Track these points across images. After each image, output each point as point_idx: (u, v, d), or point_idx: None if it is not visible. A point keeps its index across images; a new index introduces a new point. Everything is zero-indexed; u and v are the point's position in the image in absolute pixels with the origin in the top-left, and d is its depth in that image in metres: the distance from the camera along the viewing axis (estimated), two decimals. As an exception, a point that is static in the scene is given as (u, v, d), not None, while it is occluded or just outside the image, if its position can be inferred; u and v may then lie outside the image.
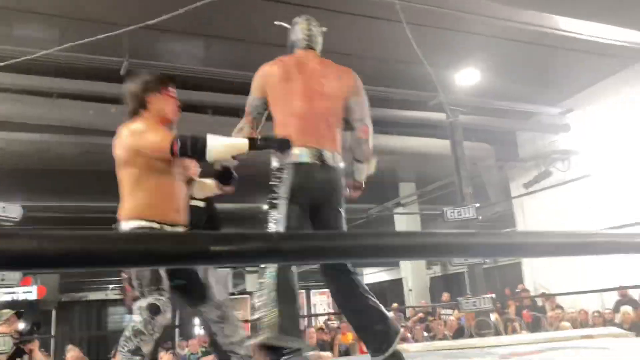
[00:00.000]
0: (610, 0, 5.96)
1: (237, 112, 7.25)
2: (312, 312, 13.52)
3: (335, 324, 10.33)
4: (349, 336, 8.66)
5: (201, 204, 3.91)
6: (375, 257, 1.06)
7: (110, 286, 18.22)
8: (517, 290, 9.74)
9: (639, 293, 7.18)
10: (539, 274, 9.63)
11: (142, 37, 5.99)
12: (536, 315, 7.19)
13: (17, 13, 5.68)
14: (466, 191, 5.16)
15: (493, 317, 5.65)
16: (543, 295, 8.83)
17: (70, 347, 7.19)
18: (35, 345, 3.46)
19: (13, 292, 11.50)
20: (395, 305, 12.75)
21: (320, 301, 13.95)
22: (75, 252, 0.45)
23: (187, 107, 6.95)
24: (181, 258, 0.47)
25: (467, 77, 7.37)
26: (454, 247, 0.73)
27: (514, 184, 10.29)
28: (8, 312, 3.48)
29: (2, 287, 10.06)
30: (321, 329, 8.60)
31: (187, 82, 7.05)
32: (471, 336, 4.88)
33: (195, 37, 6.73)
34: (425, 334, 7.71)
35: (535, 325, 6.93)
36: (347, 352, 7.25)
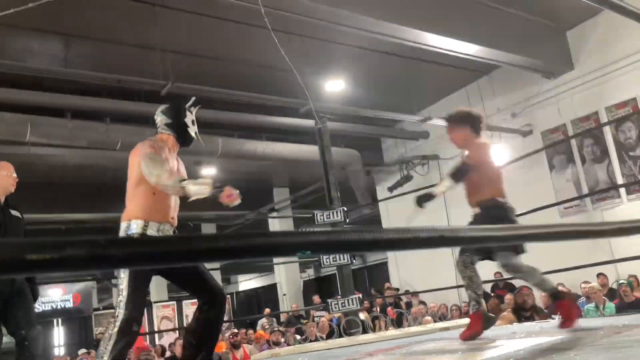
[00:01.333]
0: (461, 17, 6.53)
1: (99, 116, 6.90)
2: (185, 323, 13.09)
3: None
4: (223, 345, 8.52)
5: None
6: (211, 260, 1.07)
7: None
8: (385, 288, 10.23)
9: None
10: (404, 273, 10.22)
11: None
12: (399, 311, 7.63)
13: None
14: (334, 195, 5.32)
15: (362, 315, 5.89)
16: (407, 292, 9.39)
17: None
18: None
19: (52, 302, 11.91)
20: (267, 310, 12.79)
21: (192, 312, 13.54)
22: None
23: (44, 109, 6.51)
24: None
25: (335, 85, 7.63)
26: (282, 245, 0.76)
27: (380, 187, 10.83)
28: None
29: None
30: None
31: (43, 83, 6.55)
32: (341, 336, 5.03)
33: (54, 36, 6.27)
34: (298, 337, 7.82)
35: (399, 321, 7.34)
36: (220, 361, 7.13)
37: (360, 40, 6.79)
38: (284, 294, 12.56)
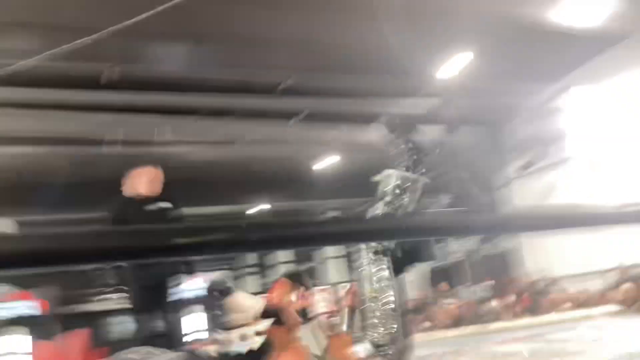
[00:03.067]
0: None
1: (226, 113, 7.27)
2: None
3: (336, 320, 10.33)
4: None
5: None
6: (341, 243, 1.05)
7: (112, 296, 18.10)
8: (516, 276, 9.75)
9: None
10: (540, 258, 9.65)
11: (129, 43, 5.97)
12: (536, 298, 7.22)
13: (-1, 26, 5.64)
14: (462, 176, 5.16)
15: (494, 303, 5.66)
16: (544, 279, 8.85)
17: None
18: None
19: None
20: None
21: (323, 299, 13.91)
22: (46, 251, 0.43)
23: (176, 110, 6.98)
24: (145, 252, 0.46)
25: (453, 67, 7.36)
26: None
27: (498, 173, 10.30)
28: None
29: None
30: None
31: (175, 85, 7.02)
32: (471, 323, 4.88)
33: (179, 41, 6.69)
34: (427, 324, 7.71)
35: (534, 309, 6.95)
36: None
37: (480, 19, 6.47)
38: (411, 280, 12.45)
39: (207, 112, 7.19)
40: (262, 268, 18.84)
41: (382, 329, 2.55)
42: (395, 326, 2.54)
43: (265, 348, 2.45)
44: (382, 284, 2.81)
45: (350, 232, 0.60)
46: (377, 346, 2.79)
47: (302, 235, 0.53)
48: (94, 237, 0.44)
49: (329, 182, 9.91)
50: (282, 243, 0.59)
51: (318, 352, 2.95)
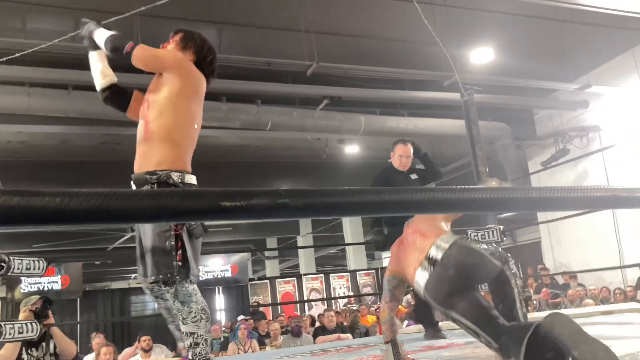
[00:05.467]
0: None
1: (250, 98, 7.33)
2: (332, 295, 13.60)
3: (354, 306, 10.38)
4: (369, 318, 8.71)
5: None
6: (378, 213, 1.08)
7: (132, 275, 18.49)
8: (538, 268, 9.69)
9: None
10: (559, 253, 9.56)
11: (153, 27, 6.03)
12: (555, 292, 7.17)
13: (29, 6, 5.75)
14: (482, 170, 5.10)
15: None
16: (564, 273, 8.78)
17: (95, 334, 7.37)
18: (51, 320, 3.52)
19: (39, 283, 11.89)
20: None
21: (340, 284, 14.01)
22: (95, 208, 0.47)
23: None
24: (194, 213, 0.50)
25: (481, 55, 7.28)
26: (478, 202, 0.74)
27: (532, 163, 10.19)
28: (34, 298, 3.55)
29: (28, 277, 10.32)
30: (337, 312, 8.67)
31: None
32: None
33: (206, 25, 6.74)
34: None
35: (554, 304, 6.91)
36: (367, 334, 7.31)
37: (508, 5, 6.40)
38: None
39: (232, 97, 7.26)
40: (281, 254, 18.98)
41: None
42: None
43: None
44: None
45: (387, 202, 0.62)
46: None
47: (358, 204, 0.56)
48: (148, 196, 0.48)
49: (355, 169, 9.94)
50: (326, 210, 0.61)
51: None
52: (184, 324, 2.22)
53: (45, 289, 11.90)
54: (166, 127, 2.31)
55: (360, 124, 7.76)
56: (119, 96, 2.51)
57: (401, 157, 4.65)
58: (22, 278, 11.32)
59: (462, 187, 0.78)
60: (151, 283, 2.25)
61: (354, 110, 7.86)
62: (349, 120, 7.69)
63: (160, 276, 2.20)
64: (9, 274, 3.21)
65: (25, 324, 3.26)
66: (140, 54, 2.34)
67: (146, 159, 2.30)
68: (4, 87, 6.01)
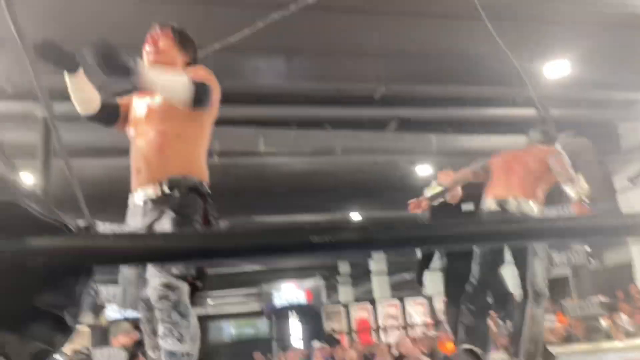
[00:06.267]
0: None
1: (320, 124, 7.41)
2: (408, 322, 13.30)
3: (433, 333, 10.10)
4: (449, 345, 8.43)
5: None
6: (465, 243, 1.04)
7: (210, 301, 18.91)
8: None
9: None
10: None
11: (225, 59, 6.27)
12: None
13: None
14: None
15: (604, 321, 5.29)
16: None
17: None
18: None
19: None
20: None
21: (416, 311, 13.70)
22: (195, 248, 0.47)
23: (272, 121, 7.22)
24: (284, 250, 0.49)
25: (557, 68, 7.02)
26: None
27: (617, 178, 9.63)
28: (125, 325, 3.70)
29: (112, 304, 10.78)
30: (415, 339, 8.45)
31: (270, 97, 7.27)
32: (580, 342, 4.59)
33: (274, 53, 6.93)
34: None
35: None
36: (446, 361, 7.06)
37: (583, 15, 6.15)
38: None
39: (302, 123, 7.37)
40: (354, 278, 18.87)
41: None
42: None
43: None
44: None
45: (473, 234, 0.59)
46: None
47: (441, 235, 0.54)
48: (243, 235, 0.48)
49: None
50: (409, 243, 0.60)
51: None
52: (180, 342, 1.88)
53: (130, 315, 12.37)
54: (193, 136, 2.19)
55: (431, 144, 7.64)
56: (106, 111, 2.26)
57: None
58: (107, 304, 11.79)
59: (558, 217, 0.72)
60: (175, 277, 1.91)
61: (424, 130, 7.76)
62: (420, 141, 7.60)
63: (185, 275, 1.94)
64: (97, 302, 3.37)
65: (115, 350, 3.39)
66: (214, 90, 2.15)
67: (177, 162, 2.13)
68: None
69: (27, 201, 0.48)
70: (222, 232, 0.47)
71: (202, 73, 2.18)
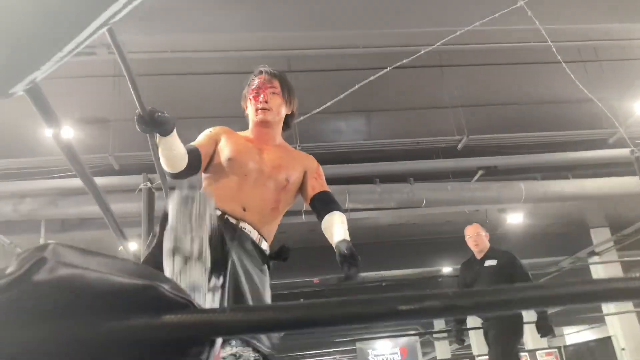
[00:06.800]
0: None
1: (403, 178, 7.45)
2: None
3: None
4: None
5: None
6: (547, 306, 1.03)
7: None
8: None
9: None
10: None
11: (306, 123, 6.55)
12: None
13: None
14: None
15: None
16: None
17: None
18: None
19: None
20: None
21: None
22: (300, 318, 0.55)
23: (355, 179, 7.34)
24: (374, 317, 0.56)
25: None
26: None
27: None
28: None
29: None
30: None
31: (352, 156, 7.44)
32: None
33: (355, 114, 7.13)
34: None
35: None
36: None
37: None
38: (623, 349, 10.98)
39: (385, 179, 7.44)
40: (449, 333, 18.12)
41: None
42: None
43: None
44: None
45: (554, 296, 0.62)
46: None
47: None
48: (339, 304, 0.55)
49: (520, 238, 9.44)
50: (497, 307, 0.64)
51: None
52: None
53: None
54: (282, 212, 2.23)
55: (520, 191, 7.42)
56: (192, 164, 2.11)
57: (469, 239, 4.74)
58: None
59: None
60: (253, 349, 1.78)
61: (512, 178, 7.57)
62: (508, 189, 7.41)
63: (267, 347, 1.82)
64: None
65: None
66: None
67: (273, 231, 2.17)
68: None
69: (160, 283, 0.58)
70: (321, 303, 0.53)
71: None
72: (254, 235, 2.03)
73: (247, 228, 2.02)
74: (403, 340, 13.28)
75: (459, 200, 7.47)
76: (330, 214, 2.16)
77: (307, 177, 2.27)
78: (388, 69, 4.32)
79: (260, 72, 2.28)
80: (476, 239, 4.66)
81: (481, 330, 4.70)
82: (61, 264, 0.50)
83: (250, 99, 2.25)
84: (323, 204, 2.21)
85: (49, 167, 6.19)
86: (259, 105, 2.21)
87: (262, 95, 2.21)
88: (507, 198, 7.51)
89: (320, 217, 2.18)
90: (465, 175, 7.46)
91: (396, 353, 13.13)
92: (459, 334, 4.94)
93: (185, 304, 0.56)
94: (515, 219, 9.17)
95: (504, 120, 6.95)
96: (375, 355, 12.79)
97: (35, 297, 0.47)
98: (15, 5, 0.91)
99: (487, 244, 4.73)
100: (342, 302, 0.53)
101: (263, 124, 2.24)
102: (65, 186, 6.22)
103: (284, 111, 2.29)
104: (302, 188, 2.27)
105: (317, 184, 2.27)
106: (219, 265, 1.60)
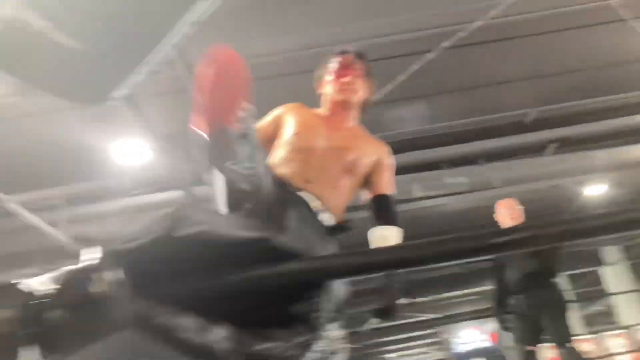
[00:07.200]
0: None
1: (473, 160, 7.28)
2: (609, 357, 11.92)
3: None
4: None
5: None
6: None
7: (392, 355, 18.66)
8: None
9: None
10: None
11: (370, 113, 6.52)
12: None
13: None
14: None
15: None
16: None
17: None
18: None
19: None
20: None
21: (615, 344, 12.26)
22: (395, 258, 0.60)
23: (422, 166, 7.25)
24: (471, 251, 0.60)
25: None
26: None
27: None
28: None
29: None
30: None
31: (416, 143, 7.34)
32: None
33: (415, 100, 7.03)
34: None
35: None
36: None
37: None
38: None
39: (454, 163, 7.32)
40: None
41: None
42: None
43: None
44: None
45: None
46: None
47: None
48: (435, 243, 0.60)
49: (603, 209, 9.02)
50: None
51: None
52: None
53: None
54: None
55: (599, 160, 7.11)
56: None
57: (504, 213, 4.64)
58: None
59: None
60: None
61: (588, 148, 7.24)
62: (586, 159, 7.11)
63: None
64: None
65: None
66: None
67: (339, 206, 2.09)
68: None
69: (274, 234, 0.65)
70: (416, 244, 0.58)
71: None
72: (316, 203, 1.94)
73: (308, 197, 1.95)
74: (491, 325, 12.99)
75: (534, 176, 7.24)
76: (385, 227, 2.07)
77: (377, 168, 2.20)
78: (446, 44, 4.26)
79: (344, 52, 2.20)
80: (513, 213, 4.55)
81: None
82: (195, 222, 0.58)
83: (331, 79, 2.17)
84: (382, 209, 2.13)
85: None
86: (344, 85, 2.14)
87: (348, 76, 2.14)
88: (584, 169, 7.21)
89: (374, 222, 2.11)
90: (537, 150, 7.22)
91: (485, 339, 12.89)
92: (503, 321, 4.77)
93: (295, 254, 0.62)
94: (596, 190, 8.78)
95: (574, 88, 6.67)
96: (463, 344, 12.61)
97: (176, 252, 0.55)
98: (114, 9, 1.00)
99: (523, 218, 4.62)
100: (438, 241, 0.58)
101: (343, 104, 2.18)
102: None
103: (363, 94, 2.24)
104: (368, 178, 2.19)
105: (383, 183, 2.20)
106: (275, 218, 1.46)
